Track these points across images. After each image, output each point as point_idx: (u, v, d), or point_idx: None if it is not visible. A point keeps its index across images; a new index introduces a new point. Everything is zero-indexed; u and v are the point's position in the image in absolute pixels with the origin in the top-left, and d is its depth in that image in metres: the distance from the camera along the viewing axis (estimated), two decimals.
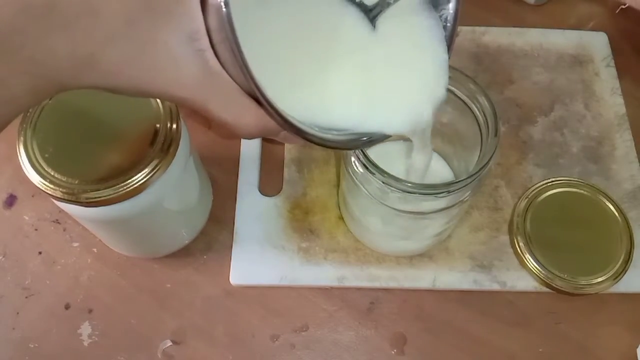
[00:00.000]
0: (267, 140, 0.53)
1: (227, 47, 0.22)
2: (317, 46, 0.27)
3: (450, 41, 0.29)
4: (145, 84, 0.23)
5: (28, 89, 0.22)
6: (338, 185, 0.50)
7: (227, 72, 0.24)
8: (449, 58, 0.30)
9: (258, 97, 0.23)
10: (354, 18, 0.28)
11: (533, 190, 0.50)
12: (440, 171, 0.47)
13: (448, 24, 0.29)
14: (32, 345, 0.45)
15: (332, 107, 0.27)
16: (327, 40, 0.28)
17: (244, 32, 0.21)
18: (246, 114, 0.25)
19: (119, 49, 0.22)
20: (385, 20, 0.29)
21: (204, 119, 0.26)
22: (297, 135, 0.25)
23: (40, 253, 0.49)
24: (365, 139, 0.29)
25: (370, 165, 0.37)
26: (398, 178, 0.36)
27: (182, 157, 0.40)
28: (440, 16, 0.30)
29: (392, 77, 0.29)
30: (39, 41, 0.21)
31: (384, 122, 0.29)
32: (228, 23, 0.21)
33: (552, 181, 0.50)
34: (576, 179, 0.50)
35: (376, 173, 0.36)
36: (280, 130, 0.25)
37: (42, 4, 0.20)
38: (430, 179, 0.38)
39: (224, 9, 0.20)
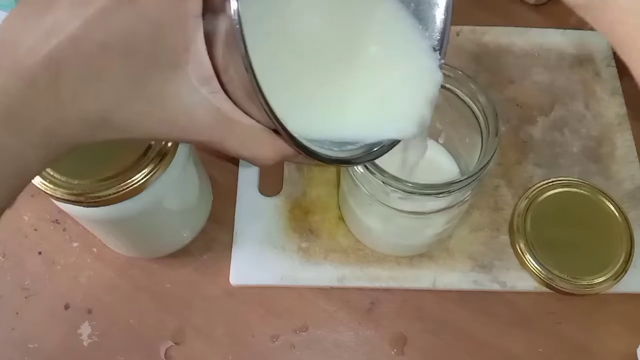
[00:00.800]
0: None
1: (240, 85, 0.22)
2: (324, 63, 0.28)
3: (442, 31, 0.29)
4: (161, 134, 0.24)
5: (42, 157, 0.22)
6: (338, 185, 0.50)
7: (240, 108, 0.24)
8: (444, 52, 0.30)
9: (279, 130, 0.23)
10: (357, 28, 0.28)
11: (533, 190, 0.50)
12: (446, 167, 0.47)
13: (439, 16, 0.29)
14: (32, 346, 0.45)
15: (346, 120, 0.28)
16: (333, 55, 0.28)
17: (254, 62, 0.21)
18: (264, 147, 0.25)
19: (129, 108, 0.22)
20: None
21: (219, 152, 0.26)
22: (316, 159, 0.25)
23: (40, 253, 0.49)
24: (376, 149, 0.29)
25: (370, 165, 0.37)
26: (398, 178, 0.36)
27: (182, 157, 0.40)
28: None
29: (394, 84, 0.29)
30: (49, 113, 0.21)
31: (395, 128, 0.29)
32: (247, 59, 0.20)
33: (553, 181, 0.50)
34: (576, 179, 0.50)
35: (376, 173, 0.36)
36: (298, 155, 0.25)
37: (47, 76, 0.20)
38: (436, 174, 0.39)
39: (243, 50, 0.19)
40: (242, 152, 0.25)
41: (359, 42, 0.29)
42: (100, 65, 0.21)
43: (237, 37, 0.19)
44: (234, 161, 0.51)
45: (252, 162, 0.26)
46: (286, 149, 0.25)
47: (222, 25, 0.21)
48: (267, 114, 0.21)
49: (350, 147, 0.28)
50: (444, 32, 0.29)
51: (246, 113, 0.24)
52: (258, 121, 0.24)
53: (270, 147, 0.25)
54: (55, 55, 0.20)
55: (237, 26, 0.19)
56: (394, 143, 0.29)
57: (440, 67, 0.29)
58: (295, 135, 0.23)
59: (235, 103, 0.23)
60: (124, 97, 0.22)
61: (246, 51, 0.19)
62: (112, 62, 0.21)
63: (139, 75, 0.22)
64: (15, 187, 0.23)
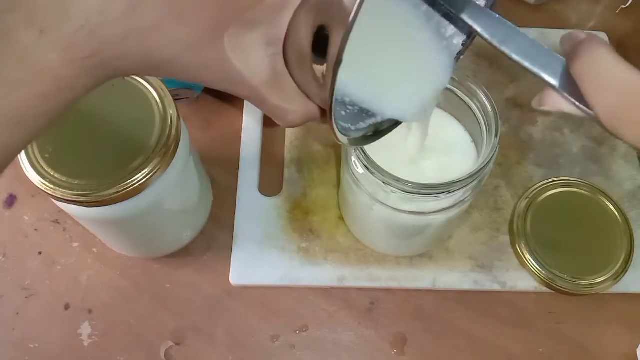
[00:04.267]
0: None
1: (298, 55, 0.23)
2: (372, 48, 0.30)
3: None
4: (211, 82, 0.24)
5: (88, 87, 0.21)
6: (338, 185, 0.50)
7: (289, 72, 0.24)
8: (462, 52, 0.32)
9: (326, 102, 0.23)
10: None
11: (533, 191, 0.50)
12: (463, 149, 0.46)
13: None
14: (32, 346, 0.45)
15: (365, 85, 0.29)
16: (380, 44, 0.30)
17: None
18: (297, 110, 0.26)
19: (198, 55, 0.22)
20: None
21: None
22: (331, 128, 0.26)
23: (40, 253, 0.49)
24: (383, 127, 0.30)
25: (370, 165, 0.37)
26: (398, 178, 0.36)
27: (182, 157, 0.40)
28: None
29: (409, 70, 0.31)
30: (113, 45, 0.20)
31: (396, 108, 0.30)
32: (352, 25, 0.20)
33: (553, 181, 0.50)
34: (576, 179, 0.50)
35: (376, 173, 0.36)
36: (320, 120, 0.27)
37: (125, 4, 0.19)
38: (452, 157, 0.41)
39: (353, 18, 0.20)
40: (277, 111, 0.26)
41: (398, 39, 0.31)
42: (185, 6, 0.20)
43: (357, 6, 0.20)
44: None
45: (280, 121, 0.26)
46: (314, 114, 0.26)
47: None
48: (328, 92, 0.22)
49: (358, 126, 0.29)
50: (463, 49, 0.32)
51: (292, 75, 0.25)
52: (298, 85, 0.25)
53: (302, 111, 0.26)
54: None
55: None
56: (393, 125, 0.31)
57: (452, 67, 0.32)
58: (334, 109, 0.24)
59: (287, 65, 0.24)
60: (197, 42, 0.21)
61: (355, 19, 0.20)
62: (198, 5, 0.20)
63: (219, 23, 0.21)
64: (54, 114, 0.22)
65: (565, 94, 0.28)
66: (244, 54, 0.23)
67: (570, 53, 0.27)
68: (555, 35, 0.59)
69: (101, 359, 0.45)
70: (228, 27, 0.21)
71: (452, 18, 0.31)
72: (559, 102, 0.29)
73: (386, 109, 0.30)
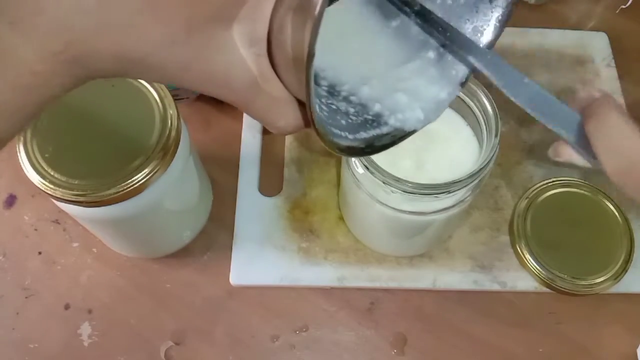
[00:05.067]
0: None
1: (289, 51, 0.21)
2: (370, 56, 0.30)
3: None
4: (192, 84, 0.23)
5: (62, 87, 0.21)
6: (338, 185, 0.50)
7: (276, 73, 0.23)
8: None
9: (308, 109, 0.22)
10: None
11: (533, 191, 0.50)
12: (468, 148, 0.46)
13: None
14: (32, 346, 0.45)
15: (363, 88, 0.29)
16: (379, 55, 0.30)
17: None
18: (287, 117, 0.25)
19: (173, 53, 0.21)
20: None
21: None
22: (323, 141, 0.25)
23: (40, 253, 0.49)
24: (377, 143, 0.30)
25: (370, 165, 0.37)
26: (398, 178, 0.36)
27: (182, 157, 0.40)
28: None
29: (419, 82, 0.31)
30: (84, 42, 0.19)
31: (398, 115, 0.30)
32: (319, 20, 0.20)
33: (553, 181, 0.50)
34: (576, 179, 0.50)
35: (376, 173, 0.36)
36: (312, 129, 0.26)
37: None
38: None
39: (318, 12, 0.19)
40: (265, 117, 0.25)
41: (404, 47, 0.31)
42: (159, 0, 0.19)
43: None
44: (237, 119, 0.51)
45: (271, 127, 0.25)
46: (305, 122, 0.25)
47: None
48: (307, 94, 0.21)
49: (358, 136, 0.29)
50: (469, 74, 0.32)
51: (280, 79, 0.24)
52: (289, 89, 0.24)
53: (293, 116, 0.25)
54: None
55: None
56: (393, 142, 0.30)
57: (461, 85, 0.32)
58: (317, 111, 0.23)
59: (273, 68, 0.23)
60: (172, 40, 0.20)
61: (321, 15, 0.19)
62: (172, 1, 0.20)
63: (195, 20, 0.20)
64: (31, 109, 0.21)
65: (580, 149, 0.30)
66: (225, 54, 0.22)
67: (585, 109, 0.29)
68: (555, 35, 0.60)
69: (101, 359, 0.45)
70: (206, 24, 0.21)
71: (453, 52, 0.31)
72: (573, 155, 0.31)
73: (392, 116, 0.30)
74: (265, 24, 0.22)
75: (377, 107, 0.29)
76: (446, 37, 0.30)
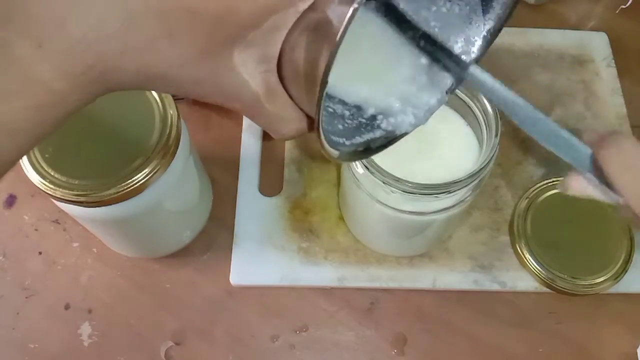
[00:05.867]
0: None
1: (300, 69, 0.23)
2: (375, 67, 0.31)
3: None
4: (204, 97, 0.24)
5: (83, 102, 0.22)
6: (338, 185, 0.50)
7: (284, 85, 0.25)
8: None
9: (316, 124, 0.24)
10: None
11: (533, 191, 0.50)
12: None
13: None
14: (32, 346, 0.45)
15: (361, 88, 0.30)
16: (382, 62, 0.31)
17: None
18: (291, 125, 0.27)
19: (189, 72, 0.22)
20: None
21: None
22: (324, 148, 0.26)
23: (40, 253, 0.49)
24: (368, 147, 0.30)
25: (370, 165, 0.37)
26: (398, 178, 0.36)
27: (182, 157, 0.40)
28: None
29: (411, 88, 0.32)
30: (110, 60, 0.21)
31: (390, 118, 0.31)
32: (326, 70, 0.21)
33: (553, 181, 0.50)
34: None
35: (376, 173, 0.36)
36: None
37: (118, 25, 0.20)
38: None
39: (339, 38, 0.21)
40: (271, 125, 0.27)
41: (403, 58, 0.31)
42: (174, 29, 0.21)
43: (344, 26, 0.20)
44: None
45: (275, 134, 0.27)
46: (307, 126, 0.27)
47: (320, 15, 0.22)
48: (316, 111, 0.23)
49: (354, 141, 0.29)
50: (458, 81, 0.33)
51: (287, 91, 0.25)
52: (294, 100, 0.26)
53: (296, 123, 0.27)
54: (131, 6, 0.20)
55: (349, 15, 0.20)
56: (387, 143, 0.31)
57: (450, 92, 0.32)
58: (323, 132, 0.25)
59: (281, 80, 0.25)
60: (188, 61, 0.22)
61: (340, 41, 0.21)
62: (187, 26, 0.21)
63: (208, 45, 0.22)
64: (47, 126, 0.22)
65: (593, 179, 0.29)
66: (237, 71, 0.23)
67: (596, 143, 0.28)
68: (555, 35, 0.60)
69: (101, 359, 0.45)
70: (217, 48, 0.22)
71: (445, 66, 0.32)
72: (586, 188, 0.30)
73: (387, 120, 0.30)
74: (278, 45, 0.23)
75: (371, 111, 0.30)
76: (454, 65, 0.31)
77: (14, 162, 0.22)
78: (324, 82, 0.22)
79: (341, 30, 0.20)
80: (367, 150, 0.30)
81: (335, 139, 0.28)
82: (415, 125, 0.31)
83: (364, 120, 0.30)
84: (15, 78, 0.20)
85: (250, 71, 0.24)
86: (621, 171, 0.27)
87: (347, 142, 0.29)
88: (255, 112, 0.25)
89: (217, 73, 0.23)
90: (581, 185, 0.30)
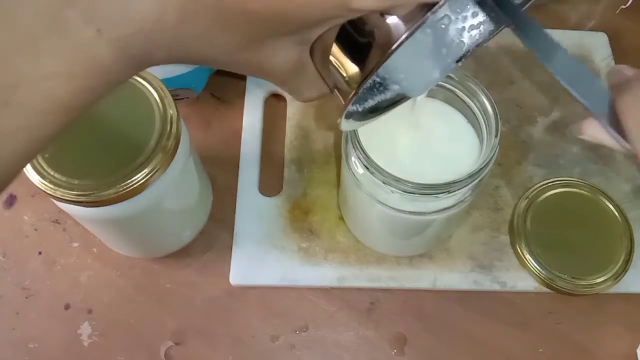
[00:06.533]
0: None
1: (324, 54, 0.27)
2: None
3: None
4: (243, 71, 0.27)
5: (129, 76, 0.24)
6: (338, 185, 0.50)
7: (314, 62, 0.28)
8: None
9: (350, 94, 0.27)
10: None
11: (533, 191, 0.50)
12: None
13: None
14: (32, 345, 0.45)
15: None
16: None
17: None
18: (314, 90, 0.29)
19: (235, 56, 0.25)
20: None
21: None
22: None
23: (40, 253, 0.49)
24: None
25: (370, 165, 0.37)
26: (398, 178, 0.36)
27: (182, 157, 0.40)
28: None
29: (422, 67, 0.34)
30: (164, 48, 0.22)
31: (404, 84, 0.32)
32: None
33: (553, 181, 0.50)
34: (576, 179, 0.50)
35: (376, 173, 0.36)
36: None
37: (175, 18, 0.22)
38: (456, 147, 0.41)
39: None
40: (297, 91, 0.29)
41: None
42: (229, 20, 0.22)
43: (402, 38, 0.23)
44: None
45: (298, 97, 0.30)
46: (326, 92, 0.30)
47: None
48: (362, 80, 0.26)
49: (366, 104, 0.32)
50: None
51: (315, 66, 0.28)
52: (320, 72, 0.28)
53: (318, 90, 0.29)
54: (188, 5, 0.22)
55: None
56: (394, 104, 0.33)
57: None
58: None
59: (311, 57, 0.27)
60: (235, 48, 0.24)
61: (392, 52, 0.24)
62: (242, 23, 0.23)
63: (255, 34, 0.24)
64: (93, 104, 0.23)
65: (608, 126, 0.28)
66: (278, 52, 0.25)
67: (616, 87, 0.28)
68: (555, 35, 0.59)
69: (101, 359, 0.45)
70: (263, 36, 0.24)
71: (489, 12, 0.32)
72: (599, 133, 0.29)
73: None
74: (318, 34, 0.26)
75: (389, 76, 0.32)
76: None
77: (55, 138, 0.23)
78: (370, 75, 0.25)
79: (396, 44, 0.23)
80: (375, 110, 0.32)
81: (350, 108, 0.29)
82: (427, 88, 0.33)
83: (378, 80, 0.31)
84: (78, 61, 0.21)
85: (289, 50, 0.26)
86: (637, 122, 0.27)
87: (360, 108, 0.31)
88: (285, 81, 0.28)
89: (259, 55, 0.25)
90: (595, 130, 0.29)
